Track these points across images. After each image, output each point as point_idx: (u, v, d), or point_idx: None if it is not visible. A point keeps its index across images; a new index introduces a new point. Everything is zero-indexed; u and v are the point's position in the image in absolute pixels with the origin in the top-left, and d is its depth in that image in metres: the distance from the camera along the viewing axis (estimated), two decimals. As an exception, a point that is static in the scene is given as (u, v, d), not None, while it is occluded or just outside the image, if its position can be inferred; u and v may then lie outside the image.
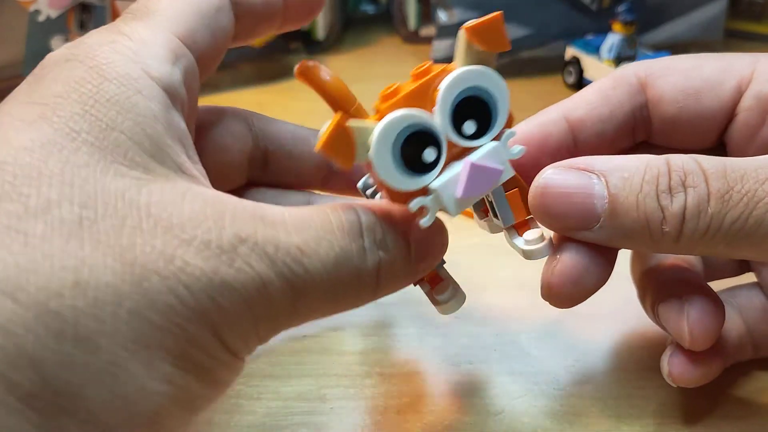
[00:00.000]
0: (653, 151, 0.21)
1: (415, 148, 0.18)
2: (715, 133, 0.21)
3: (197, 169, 0.16)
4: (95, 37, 0.17)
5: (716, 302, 0.20)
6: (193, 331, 0.14)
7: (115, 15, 0.44)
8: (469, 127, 0.18)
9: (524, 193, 0.20)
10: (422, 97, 0.18)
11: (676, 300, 0.20)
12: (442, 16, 0.48)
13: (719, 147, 0.22)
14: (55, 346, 0.12)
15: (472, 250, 0.29)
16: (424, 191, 0.18)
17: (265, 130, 0.22)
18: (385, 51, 0.56)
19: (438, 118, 0.18)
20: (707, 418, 0.21)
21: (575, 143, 0.21)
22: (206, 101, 0.50)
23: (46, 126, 0.15)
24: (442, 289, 0.21)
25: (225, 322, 0.14)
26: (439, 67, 0.19)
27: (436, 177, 0.18)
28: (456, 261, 0.29)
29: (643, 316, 0.25)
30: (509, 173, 0.19)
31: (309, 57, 0.50)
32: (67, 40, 0.43)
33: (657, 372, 0.23)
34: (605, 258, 0.19)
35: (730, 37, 0.53)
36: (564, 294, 0.19)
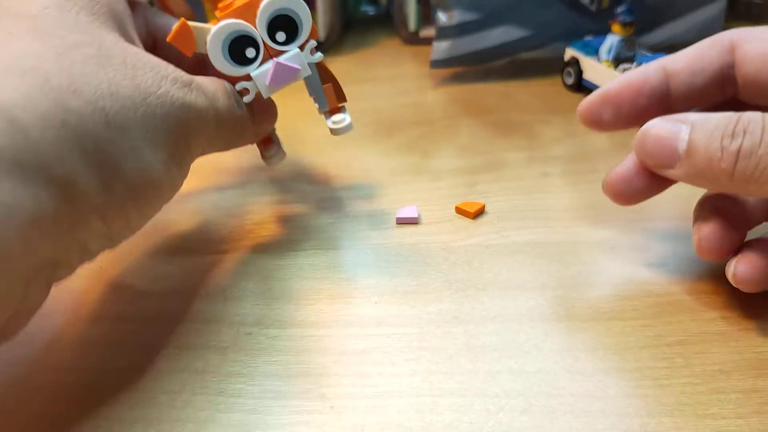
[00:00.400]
0: (743, 107, 0.24)
1: (239, 47, 0.26)
2: None
3: (138, 43, 0.24)
4: None
5: (728, 229, 0.24)
6: (176, 135, 0.22)
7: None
8: (280, 36, 0.27)
9: (337, 87, 0.29)
10: (249, 11, 0.26)
11: (699, 220, 0.25)
12: (442, 17, 0.48)
13: None
14: (103, 130, 0.19)
15: (472, 250, 0.30)
16: (247, 78, 0.27)
17: (153, 21, 0.28)
18: (386, 52, 0.57)
19: (258, 28, 0.26)
20: (706, 418, 0.21)
21: (669, 90, 0.26)
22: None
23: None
24: (269, 147, 0.31)
25: (191, 131, 0.23)
26: None
27: (256, 69, 0.26)
28: (456, 261, 0.29)
29: (643, 315, 0.25)
30: (306, 72, 0.27)
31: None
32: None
33: (656, 371, 0.23)
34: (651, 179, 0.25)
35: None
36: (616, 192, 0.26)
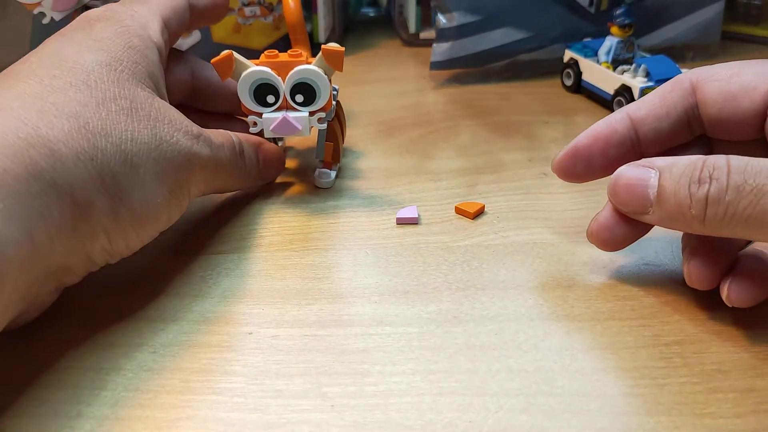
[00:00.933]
0: (713, 143, 0.27)
1: (264, 91, 0.32)
2: (753, 128, 0.25)
3: (166, 97, 0.29)
4: (119, 8, 0.29)
5: (716, 257, 0.24)
6: (180, 177, 0.27)
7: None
8: (299, 97, 0.32)
9: (336, 148, 0.35)
10: (284, 68, 0.31)
11: (687, 250, 0.25)
12: (442, 19, 0.48)
13: (762, 139, 0.25)
14: (121, 167, 0.24)
15: (472, 250, 0.30)
16: (259, 115, 0.32)
17: (199, 72, 0.34)
18: (386, 54, 0.57)
19: (285, 84, 0.31)
20: (704, 417, 0.21)
21: (637, 137, 0.27)
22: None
23: (104, 55, 0.26)
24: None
25: (192, 174, 0.27)
26: (305, 56, 0.32)
27: (269, 113, 0.32)
28: (456, 261, 0.29)
29: (641, 315, 0.25)
30: (306, 133, 0.32)
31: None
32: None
33: (654, 370, 0.23)
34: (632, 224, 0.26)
35: (727, 40, 0.54)
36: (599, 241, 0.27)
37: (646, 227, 0.26)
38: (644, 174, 0.23)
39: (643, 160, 0.24)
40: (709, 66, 0.26)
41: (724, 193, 0.21)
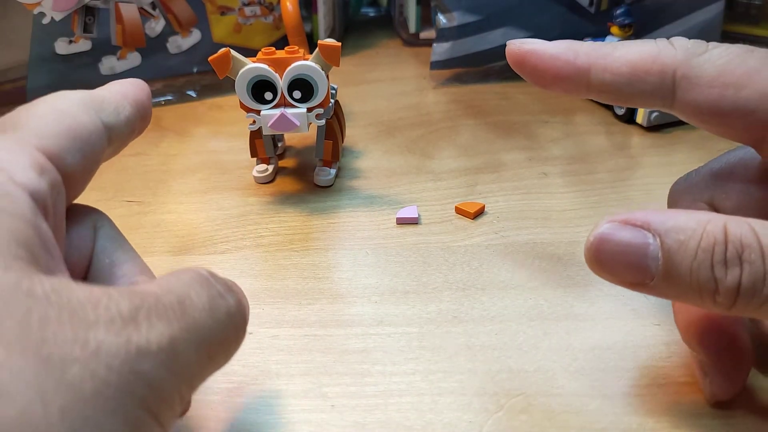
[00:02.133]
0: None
1: (261, 88, 0.31)
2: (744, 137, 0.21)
3: (65, 274, 0.16)
4: None
5: (738, 369, 0.21)
6: (126, 414, 0.13)
7: (118, 17, 0.45)
8: (296, 94, 0.31)
9: (335, 146, 0.35)
10: (282, 64, 0.31)
11: (701, 367, 0.22)
12: (442, 19, 0.48)
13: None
14: None
15: (472, 250, 0.30)
16: (257, 112, 0.32)
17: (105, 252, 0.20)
18: (386, 53, 0.57)
19: (282, 80, 0.31)
20: (704, 417, 0.21)
21: (588, 74, 0.22)
22: (210, 103, 0.51)
23: None
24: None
25: (152, 394, 0.14)
26: (302, 53, 0.32)
27: (267, 110, 0.32)
28: (456, 261, 0.29)
29: (641, 315, 0.25)
30: (304, 129, 0.32)
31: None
32: (71, 42, 0.44)
33: (654, 370, 0.23)
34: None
35: (727, 40, 0.54)
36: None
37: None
38: (639, 239, 0.18)
39: (627, 215, 0.18)
40: (694, 50, 0.21)
41: (761, 283, 0.17)
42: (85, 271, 0.20)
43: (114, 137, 0.20)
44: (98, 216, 0.21)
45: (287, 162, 0.38)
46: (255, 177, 0.36)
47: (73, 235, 0.20)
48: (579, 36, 0.48)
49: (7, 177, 0.15)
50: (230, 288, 0.18)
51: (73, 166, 0.18)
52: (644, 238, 0.18)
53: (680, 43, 0.21)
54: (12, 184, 0.15)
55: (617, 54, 0.22)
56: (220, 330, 0.17)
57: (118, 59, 0.46)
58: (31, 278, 0.14)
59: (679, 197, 0.24)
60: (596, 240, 0.18)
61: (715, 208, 0.23)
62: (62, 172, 0.17)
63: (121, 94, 0.20)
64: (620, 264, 0.18)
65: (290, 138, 0.41)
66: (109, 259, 0.20)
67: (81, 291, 0.14)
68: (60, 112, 0.18)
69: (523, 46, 0.23)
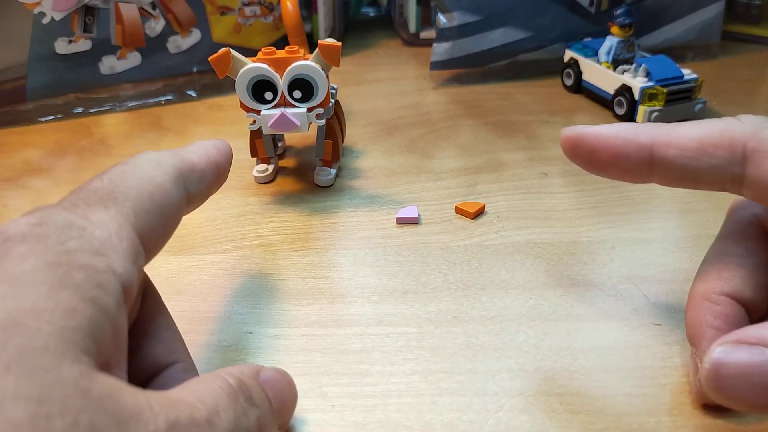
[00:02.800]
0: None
1: (261, 88, 0.31)
2: None
3: (122, 375, 0.16)
4: (61, 215, 0.16)
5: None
6: None
7: (118, 17, 0.45)
8: (297, 93, 0.32)
9: (335, 146, 0.35)
10: (282, 64, 0.31)
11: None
12: (442, 19, 0.48)
13: None
14: None
15: (472, 250, 0.30)
16: (257, 112, 0.32)
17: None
18: (386, 53, 0.57)
19: (282, 80, 0.31)
20: (705, 417, 0.21)
21: (652, 162, 0.21)
22: (210, 103, 0.50)
23: (11, 303, 0.14)
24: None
25: None
26: (302, 53, 0.32)
27: (267, 110, 0.32)
28: (456, 261, 0.29)
29: (641, 315, 0.25)
30: (304, 129, 0.32)
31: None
32: (71, 41, 0.44)
33: (654, 370, 0.23)
34: None
35: (727, 40, 0.54)
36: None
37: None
38: (758, 357, 0.17)
39: (739, 334, 0.18)
40: (763, 123, 0.20)
41: None
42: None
43: (192, 203, 0.21)
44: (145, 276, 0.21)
45: (287, 162, 0.38)
46: (255, 177, 0.36)
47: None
48: (579, 36, 0.48)
49: (107, 266, 0.16)
50: (254, 403, 0.18)
51: (155, 243, 0.19)
52: (763, 356, 0.17)
53: (747, 118, 0.21)
54: (110, 274, 0.16)
55: (681, 130, 0.21)
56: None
57: (118, 59, 0.46)
58: (91, 377, 0.14)
59: (739, 213, 0.23)
60: (713, 367, 0.18)
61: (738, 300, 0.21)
62: (146, 248, 0.18)
63: (206, 158, 0.21)
64: (745, 387, 0.17)
65: (290, 138, 0.41)
66: (153, 323, 0.21)
67: (130, 397, 0.15)
68: (155, 186, 0.19)
69: (577, 129, 0.22)
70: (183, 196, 0.20)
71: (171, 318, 0.22)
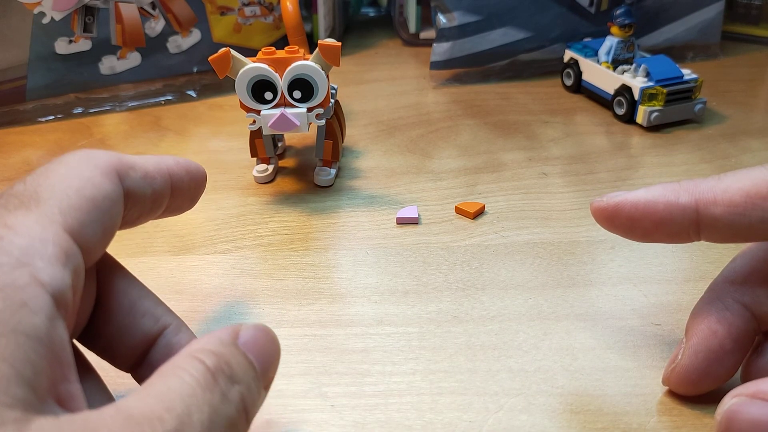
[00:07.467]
0: None
1: (261, 88, 0.31)
2: None
3: (74, 389, 0.15)
4: None
5: (712, 374, 0.21)
6: None
7: (118, 17, 0.45)
8: (296, 93, 0.32)
9: (335, 146, 0.35)
10: (282, 64, 0.31)
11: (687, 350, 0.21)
12: (442, 19, 0.48)
13: None
14: None
15: (472, 250, 0.30)
16: (257, 112, 0.32)
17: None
18: (386, 53, 0.57)
19: (282, 80, 0.31)
20: (705, 417, 0.21)
21: (698, 217, 0.20)
22: (210, 103, 0.50)
23: None
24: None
25: None
26: (302, 53, 0.32)
27: (267, 110, 0.32)
28: (456, 261, 0.29)
29: (641, 315, 0.25)
30: (304, 129, 0.32)
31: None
32: (71, 42, 0.44)
33: (654, 370, 0.23)
34: (728, 363, 0.20)
35: (727, 40, 0.54)
36: (681, 392, 0.22)
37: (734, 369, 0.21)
38: None
39: (754, 387, 0.18)
40: None
41: None
42: (91, 308, 0.19)
43: (137, 203, 0.19)
44: (106, 257, 0.20)
45: (287, 162, 0.38)
46: (255, 177, 0.36)
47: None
48: (579, 36, 0.49)
49: (31, 277, 0.14)
50: (235, 380, 0.16)
51: (93, 241, 0.17)
52: None
53: None
54: (34, 287, 0.14)
55: (725, 184, 0.20)
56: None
57: (118, 59, 0.46)
58: (28, 428, 0.13)
59: (717, 296, 0.22)
60: (726, 418, 0.17)
61: (753, 312, 0.21)
62: (82, 247, 0.16)
63: (156, 163, 0.19)
64: None
65: (290, 138, 0.41)
66: (128, 299, 0.20)
67: (73, 428, 0.13)
68: (83, 180, 0.17)
69: (611, 200, 0.21)
70: (119, 189, 0.18)
71: (144, 286, 0.21)
